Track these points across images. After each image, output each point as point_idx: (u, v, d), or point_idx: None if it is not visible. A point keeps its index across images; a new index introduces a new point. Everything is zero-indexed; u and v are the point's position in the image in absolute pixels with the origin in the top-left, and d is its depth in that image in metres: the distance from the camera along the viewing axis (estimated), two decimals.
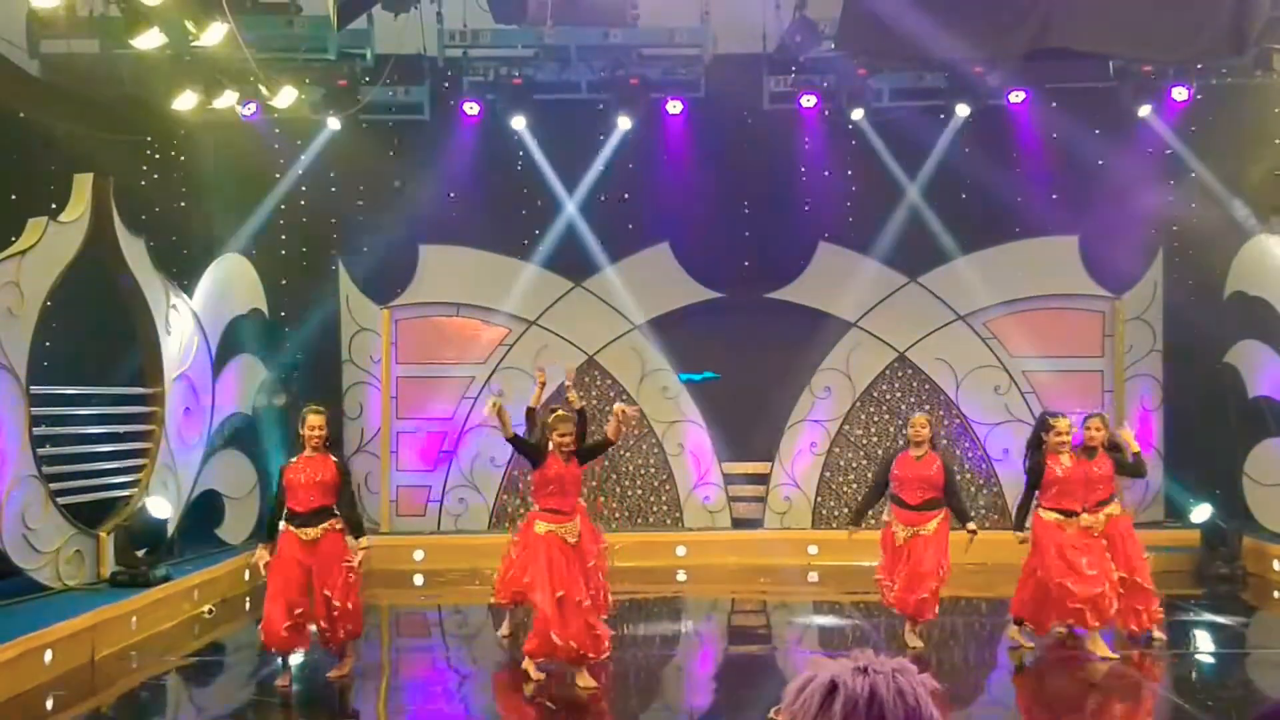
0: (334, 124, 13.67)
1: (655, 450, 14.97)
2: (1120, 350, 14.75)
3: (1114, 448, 9.78)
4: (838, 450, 14.99)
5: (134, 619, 10.09)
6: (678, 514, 14.77)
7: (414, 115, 13.92)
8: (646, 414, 14.91)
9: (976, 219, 14.63)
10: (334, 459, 8.77)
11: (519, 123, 14.07)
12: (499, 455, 14.82)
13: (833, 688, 2.35)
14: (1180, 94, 13.30)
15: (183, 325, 12.46)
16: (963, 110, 13.88)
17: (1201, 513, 13.01)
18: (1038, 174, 14.38)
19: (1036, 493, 9.42)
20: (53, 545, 10.44)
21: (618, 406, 8.61)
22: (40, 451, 10.39)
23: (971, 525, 9.62)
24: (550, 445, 8.52)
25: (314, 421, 8.68)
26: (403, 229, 14.63)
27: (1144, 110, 13.70)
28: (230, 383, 13.38)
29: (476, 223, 14.63)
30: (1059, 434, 9.30)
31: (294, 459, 8.74)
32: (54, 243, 10.55)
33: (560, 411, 8.87)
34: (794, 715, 2.36)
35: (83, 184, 11.08)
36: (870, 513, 10.60)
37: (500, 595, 9.94)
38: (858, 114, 13.96)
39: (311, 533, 8.49)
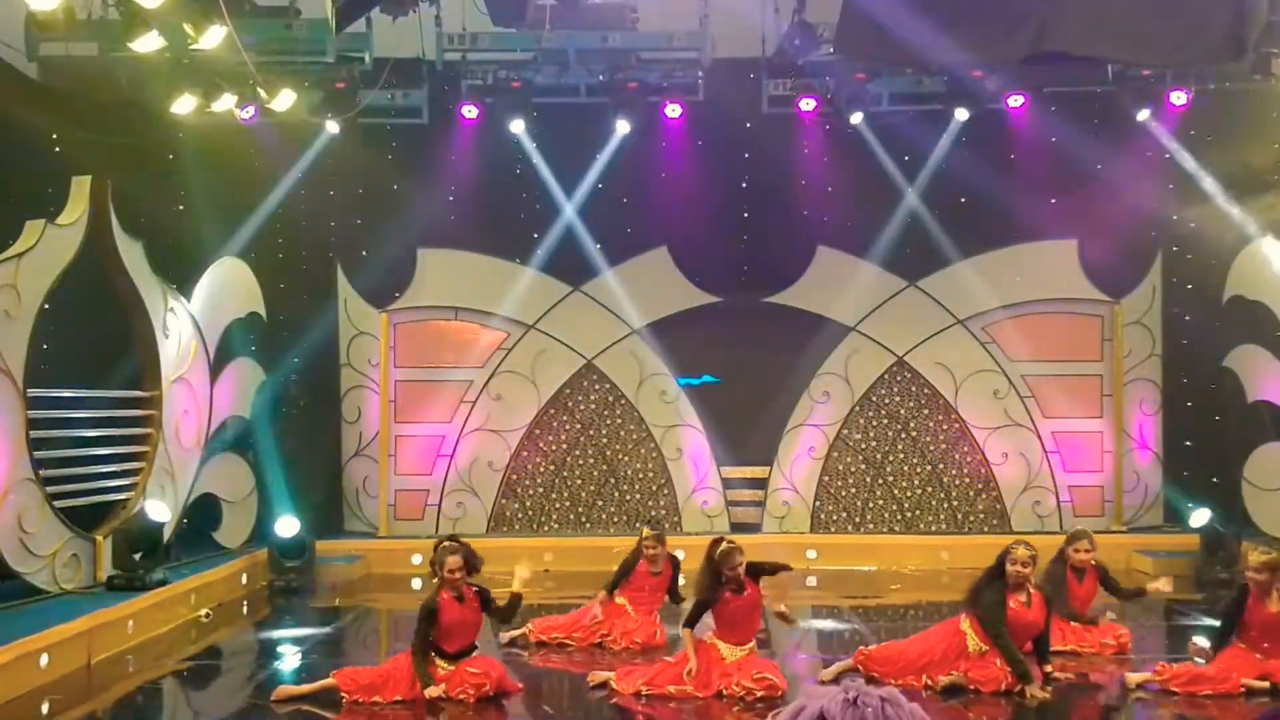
0: (333, 127, 13.68)
1: (653, 455, 14.96)
2: (1119, 355, 14.75)
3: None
4: (836, 455, 14.98)
5: (131, 623, 10.06)
6: (676, 518, 14.74)
7: (412, 119, 13.92)
8: (645, 418, 14.93)
9: (975, 223, 14.63)
10: (475, 589, 8.30)
11: (517, 126, 14.07)
12: (497, 459, 14.84)
13: None
14: (1179, 98, 13.31)
15: (180, 328, 12.44)
16: (961, 114, 13.89)
17: (1200, 516, 12.98)
18: (1036, 178, 14.39)
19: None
20: (49, 549, 10.40)
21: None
22: (37, 454, 10.35)
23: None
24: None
25: (453, 564, 8.16)
26: (401, 233, 14.64)
27: (1142, 114, 13.71)
28: (228, 386, 13.36)
29: (475, 226, 14.65)
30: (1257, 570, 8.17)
31: (440, 597, 8.14)
32: (51, 245, 10.53)
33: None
34: None
35: (81, 187, 11.05)
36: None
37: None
38: (856, 118, 13.96)
39: (450, 667, 8.13)
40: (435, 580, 8.35)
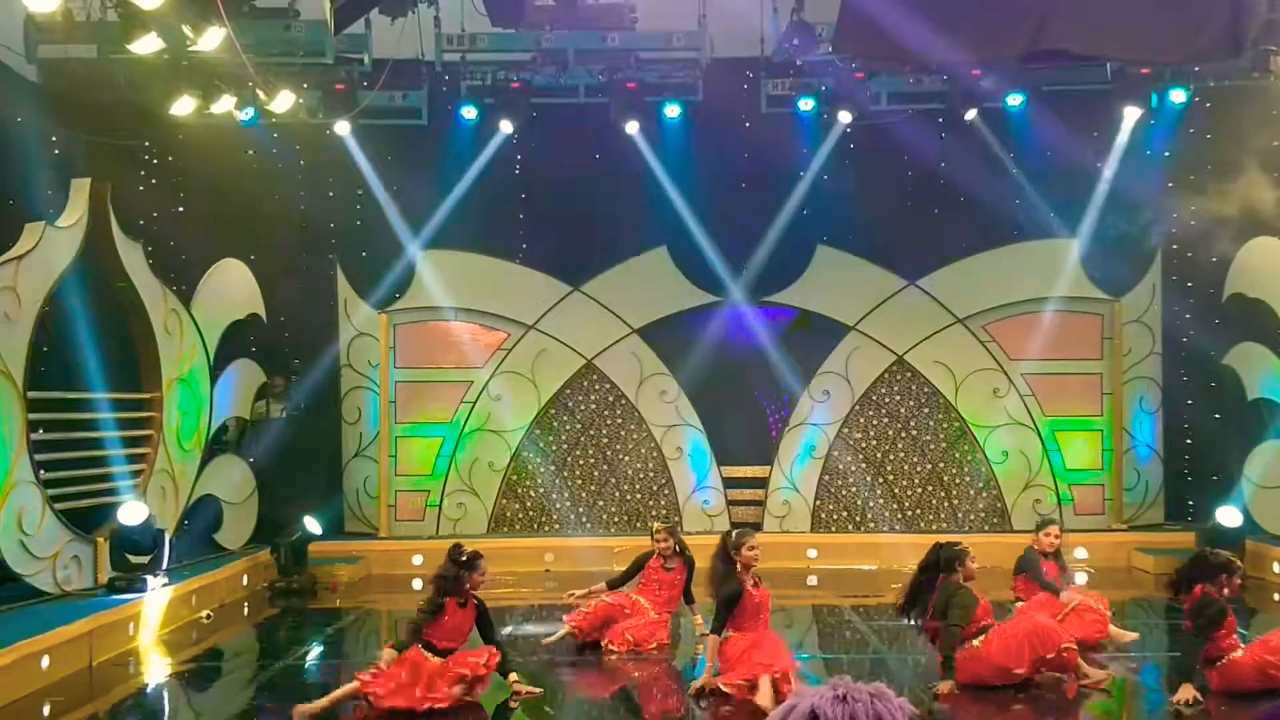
0: (344, 128, 13.70)
1: (654, 454, 14.96)
2: (1119, 353, 14.75)
3: None
4: (836, 454, 14.97)
5: (132, 624, 10.07)
6: (677, 517, 14.72)
7: (412, 120, 13.95)
8: (646, 418, 14.93)
9: (975, 222, 14.63)
10: (477, 600, 8.08)
11: (506, 127, 14.06)
12: (497, 459, 14.84)
13: (813, 717, 2.35)
14: (1178, 96, 13.31)
15: (181, 330, 12.45)
16: (971, 114, 13.88)
17: (1232, 516, 12.84)
18: (1036, 177, 14.39)
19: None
20: (50, 551, 10.41)
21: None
22: (38, 457, 10.36)
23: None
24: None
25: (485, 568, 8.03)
26: (401, 233, 14.64)
27: (1141, 112, 13.70)
28: (228, 387, 13.36)
29: (475, 227, 14.65)
30: None
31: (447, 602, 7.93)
32: (51, 248, 10.54)
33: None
34: None
35: (80, 189, 11.07)
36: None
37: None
38: (855, 117, 13.95)
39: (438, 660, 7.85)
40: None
